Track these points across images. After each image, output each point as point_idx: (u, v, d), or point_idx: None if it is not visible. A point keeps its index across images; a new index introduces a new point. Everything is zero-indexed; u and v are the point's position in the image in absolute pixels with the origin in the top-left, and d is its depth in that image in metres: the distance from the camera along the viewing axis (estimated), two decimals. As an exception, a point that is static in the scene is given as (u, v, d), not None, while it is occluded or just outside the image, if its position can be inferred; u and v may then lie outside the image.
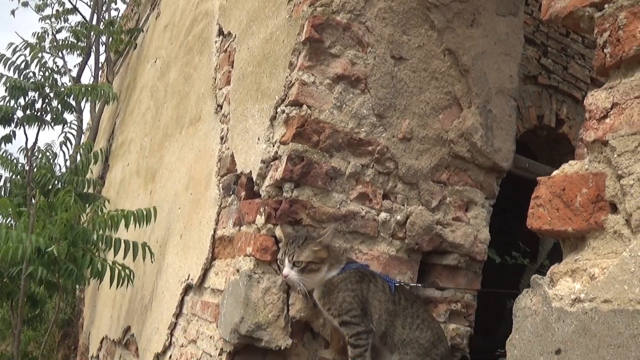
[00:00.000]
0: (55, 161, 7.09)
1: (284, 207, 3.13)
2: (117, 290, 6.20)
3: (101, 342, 6.82)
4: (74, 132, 7.11)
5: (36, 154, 7.04)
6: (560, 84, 6.96)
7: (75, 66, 10.93)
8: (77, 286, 8.73)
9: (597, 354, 1.39)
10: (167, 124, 5.82)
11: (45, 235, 4.72)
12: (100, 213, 5.32)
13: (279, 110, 3.28)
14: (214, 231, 3.83)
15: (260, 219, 3.24)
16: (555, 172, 1.65)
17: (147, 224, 4.79)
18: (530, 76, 6.72)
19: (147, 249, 4.73)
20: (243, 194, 3.54)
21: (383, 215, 3.31)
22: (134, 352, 5.28)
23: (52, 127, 6.43)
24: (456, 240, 3.46)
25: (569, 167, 1.62)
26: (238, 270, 3.28)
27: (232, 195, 3.71)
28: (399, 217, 3.34)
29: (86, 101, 6.61)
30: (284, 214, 3.12)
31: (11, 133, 6.53)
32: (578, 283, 1.49)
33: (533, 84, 6.87)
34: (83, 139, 10.78)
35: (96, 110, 9.99)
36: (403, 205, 3.38)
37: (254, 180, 3.40)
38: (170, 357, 4.29)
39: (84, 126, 11.50)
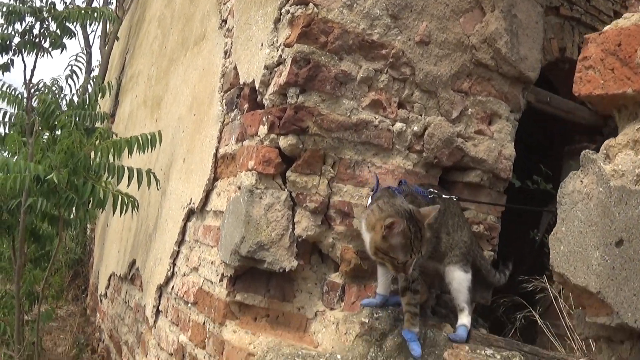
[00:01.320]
0: (62, 95, 6.81)
1: (288, 115, 2.86)
2: (124, 225, 6.02)
3: (109, 280, 6.66)
4: (81, 66, 6.81)
5: (40, 87, 6.79)
6: (583, 16, 6.62)
7: (83, 2, 10.57)
8: (87, 224, 8.59)
9: None
10: (173, 49, 5.55)
11: (45, 164, 4.49)
12: (103, 140, 5.07)
13: (283, 11, 3.00)
14: (216, 150, 3.57)
15: (263, 129, 2.97)
16: (606, 27, 1.35)
17: (151, 149, 4.54)
18: (552, 7, 6.36)
19: (152, 175, 4.49)
20: (246, 106, 3.26)
21: (398, 125, 3.02)
22: (139, 286, 5.09)
23: (51, 55, 6.15)
24: (479, 155, 3.17)
25: (625, 21, 1.32)
26: (240, 188, 3.02)
27: (235, 110, 3.44)
28: (416, 128, 3.05)
29: (85, 24, 6.29)
30: (288, 122, 2.85)
31: (9, 61, 6.27)
32: (645, 154, 1.20)
33: (555, 15, 6.51)
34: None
35: (105, 47, 9.72)
36: (420, 115, 3.09)
37: (257, 89, 3.12)
38: (172, 287, 4.07)
39: (94, 63, 11.23)
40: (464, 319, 2.90)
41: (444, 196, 2.91)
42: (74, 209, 4.75)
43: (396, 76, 3.03)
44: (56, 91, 7.00)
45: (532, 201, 4.33)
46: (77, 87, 7.46)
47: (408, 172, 3.06)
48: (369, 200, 2.73)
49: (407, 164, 3.06)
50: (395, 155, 3.04)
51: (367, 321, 2.76)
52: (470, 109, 3.19)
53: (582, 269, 1.27)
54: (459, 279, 2.88)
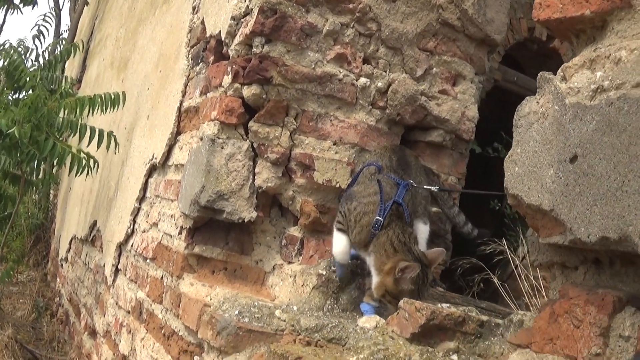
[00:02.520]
0: (28, 56, 6.73)
1: (253, 64, 2.85)
2: (86, 187, 5.96)
3: (70, 243, 6.60)
4: (48, 27, 6.72)
5: (6, 47, 6.69)
6: (555, -5, 6.62)
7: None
8: (50, 189, 8.51)
9: (627, 154, 1.09)
10: (142, 10, 5.49)
11: (8, 118, 4.44)
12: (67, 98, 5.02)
13: (252, -39, 2.97)
14: (180, 104, 3.55)
15: (227, 79, 2.95)
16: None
17: (115, 109, 4.51)
18: (523, -15, 6.38)
19: (112, 137, 4.46)
20: (212, 58, 3.25)
21: (363, 80, 3.02)
22: (99, 247, 5.06)
23: (21, 11, 6.07)
24: (442, 114, 3.18)
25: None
26: (202, 139, 3.00)
27: (201, 64, 3.41)
28: (380, 84, 3.06)
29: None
30: (252, 71, 2.84)
31: (-23, 16, 6.19)
32: (600, 71, 1.20)
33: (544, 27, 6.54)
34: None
35: (75, 11, 9.59)
36: (385, 72, 3.09)
37: (223, 40, 3.10)
38: (132, 245, 4.05)
39: (63, 27, 11.07)
40: None
41: (412, 160, 2.93)
42: (35, 166, 4.71)
43: (362, 31, 3.03)
44: (22, 51, 6.91)
45: (492, 170, 4.36)
46: (44, 48, 7.36)
47: (371, 127, 3.06)
48: (351, 180, 2.72)
49: (369, 119, 3.06)
50: (359, 110, 3.04)
51: (324, 273, 2.76)
52: (435, 69, 3.20)
53: (536, 188, 1.28)
54: (419, 231, 2.89)
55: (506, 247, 3.50)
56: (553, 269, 1.37)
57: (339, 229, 2.72)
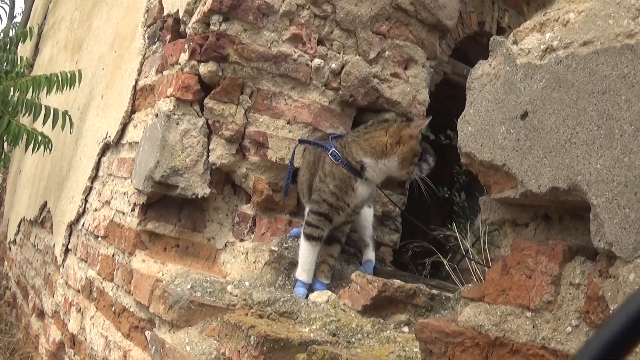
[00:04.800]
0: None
1: (210, 41, 2.88)
2: (37, 169, 5.91)
3: (19, 226, 6.54)
4: (1, 11, 6.63)
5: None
6: (503, -8, 6.75)
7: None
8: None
9: (575, 108, 1.16)
10: (98, -9, 5.46)
11: (-38, 97, 4.39)
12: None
13: (210, -60, 2.99)
14: (135, 82, 3.56)
15: (183, 57, 2.98)
16: None
17: (71, 88, 4.49)
18: (473, -19, 6.49)
19: (67, 117, 4.44)
20: (168, 37, 3.26)
21: (317, 61, 3.06)
22: (49, 228, 5.02)
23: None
24: (393, 97, 3.24)
25: None
26: (157, 116, 3.02)
27: (157, 43, 3.43)
28: (333, 65, 3.10)
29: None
30: (209, 49, 2.87)
31: None
32: (549, 33, 1.27)
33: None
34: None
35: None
36: (339, 53, 3.14)
37: (181, 18, 3.13)
38: (83, 224, 4.04)
39: (17, 11, 10.90)
40: (370, 255, 2.98)
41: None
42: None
43: (317, 13, 3.07)
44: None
45: (443, 157, 4.44)
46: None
47: (324, 108, 3.10)
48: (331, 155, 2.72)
49: (323, 100, 3.10)
50: (312, 91, 3.08)
51: (276, 249, 2.80)
52: (387, 52, 3.25)
53: (488, 145, 1.33)
54: (364, 215, 2.95)
55: (456, 232, 3.57)
56: (504, 226, 1.43)
57: (309, 236, 2.67)
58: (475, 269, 3.21)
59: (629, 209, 1.06)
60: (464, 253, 3.44)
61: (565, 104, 1.18)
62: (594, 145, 1.12)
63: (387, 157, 2.60)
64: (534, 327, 1.20)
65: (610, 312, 1.07)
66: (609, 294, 1.08)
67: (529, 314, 1.22)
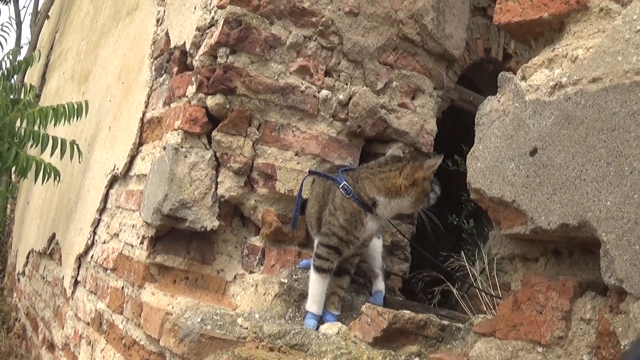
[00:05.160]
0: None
1: (217, 74, 2.89)
2: (45, 200, 5.93)
3: (27, 257, 6.54)
4: (7, 37, 6.68)
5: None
6: (511, 18, 6.75)
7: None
8: (7, 204, 8.42)
9: (585, 144, 1.16)
10: (105, 23, 5.50)
11: (-31, 129, 4.42)
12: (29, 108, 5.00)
13: (217, -26, 3.02)
14: (143, 114, 3.57)
15: (191, 89, 2.99)
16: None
17: (77, 119, 4.51)
18: (480, 8, 6.51)
19: (75, 146, 4.45)
20: (175, 69, 3.28)
21: (324, 92, 3.07)
22: (57, 260, 5.03)
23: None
24: (401, 127, 3.24)
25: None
26: (165, 148, 3.03)
27: (164, 75, 3.44)
28: (341, 97, 3.11)
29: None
30: (217, 81, 2.88)
31: None
32: (558, 69, 1.27)
33: (482, 16, 6.66)
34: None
35: (35, 25, 9.54)
36: (346, 84, 3.15)
37: (188, 51, 3.14)
38: (92, 256, 4.04)
39: (24, 40, 10.99)
40: (379, 285, 2.98)
41: None
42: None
43: (324, 44, 3.09)
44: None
45: (451, 183, 4.43)
46: (2, 56, 7.30)
47: (332, 139, 3.11)
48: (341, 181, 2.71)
49: (331, 131, 3.11)
50: (320, 122, 3.09)
51: (286, 281, 2.79)
52: (394, 82, 3.26)
53: (497, 181, 1.33)
54: (373, 246, 2.94)
55: (464, 260, 3.56)
56: (515, 261, 1.43)
57: (319, 268, 2.65)
58: (484, 297, 3.19)
59: (639, 246, 1.06)
60: (472, 282, 3.42)
61: (574, 141, 1.18)
62: (604, 182, 1.12)
63: (401, 197, 2.62)
64: (545, 362, 1.20)
65: (621, 348, 1.07)
66: (620, 329, 1.08)
67: (540, 349, 1.22)
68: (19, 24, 9.20)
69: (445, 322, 2.45)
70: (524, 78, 1.35)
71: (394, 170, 2.65)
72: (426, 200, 2.69)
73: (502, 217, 1.36)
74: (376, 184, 2.64)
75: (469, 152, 1.43)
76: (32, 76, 9.56)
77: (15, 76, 6.43)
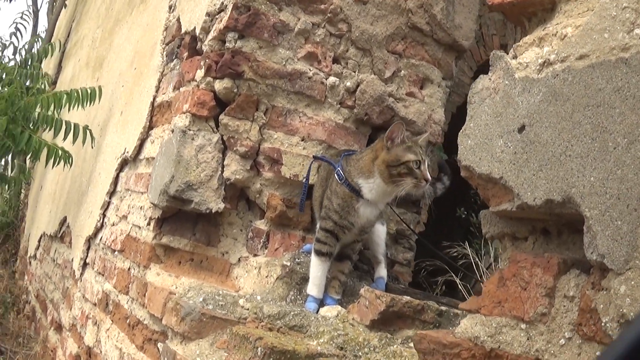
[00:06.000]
0: (4, 53, 6.73)
1: (225, 58, 2.92)
2: (57, 185, 5.98)
3: (39, 241, 6.61)
4: (26, 25, 6.74)
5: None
6: (527, 13, 6.75)
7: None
8: (22, 188, 8.49)
9: (571, 121, 1.18)
10: (119, 10, 5.55)
11: (-16, 111, 4.46)
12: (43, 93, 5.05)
13: (227, -40, 3.04)
14: (153, 98, 3.61)
15: (199, 73, 3.02)
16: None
17: (91, 104, 4.55)
18: (497, 3, 6.50)
19: (88, 131, 4.49)
20: (185, 54, 3.31)
21: (332, 79, 3.09)
22: (68, 243, 5.08)
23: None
24: (408, 116, 3.25)
25: None
26: (173, 131, 3.06)
27: (175, 60, 3.48)
28: (348, 84, 3.13)
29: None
30: (225, 65, 2.91)
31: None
32: (547, 47, 1.29)
33: (498, 12, 6.64)
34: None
35: (52, 13, 9.61)
36: (354, 72, 3.17)
37: (198, 36, 3.18)
38: (100, 238, 4.09)
39: (40, 28, 11.06)
40: (382, 272, 2.99)
41: None
42: (10, 159, 4.73)
43: (333, 31, 3.11)
44: (-1, 47, 6.90)
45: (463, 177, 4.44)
46: (21, 45, 7.36)
47: (339, 125, 3.13)
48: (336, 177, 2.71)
49: (337, 117, 3.13)
50: (327, 108, 3.11)
51: (288, 264, 2.82)
52: (403, 71, 3.27)
53: (486, 158, 1.35)
54: (378, 232, 2.96)
55: (468, 249, 3.57)
56: (504, 240, 1.44)
57: (319, 252, 2.69)
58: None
59: (621, 221, 1.07)
60: (479, 275, 3.44)
61: (560, 117, 1.20)
62: (588, 158, 1.14)
63: (373, 176, 2.58)
64: (528, 339, 1.21)
65: (602, 325, 1.08)
66: (602, 306, 1.09)
67: (523, 325, 1.23)
68: (35, 10, 9.26)
69: (443, 308, 2.47)
70: (515, 56, 1.37)
71: (369, 151, 2.66)
72: (396, 173, 2.53)
73: (490, 195, 1.38)
74: (355, 166, 2.64)
75: (461, 130, 1.45)
76: (48, 64, 9.62)
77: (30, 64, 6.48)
